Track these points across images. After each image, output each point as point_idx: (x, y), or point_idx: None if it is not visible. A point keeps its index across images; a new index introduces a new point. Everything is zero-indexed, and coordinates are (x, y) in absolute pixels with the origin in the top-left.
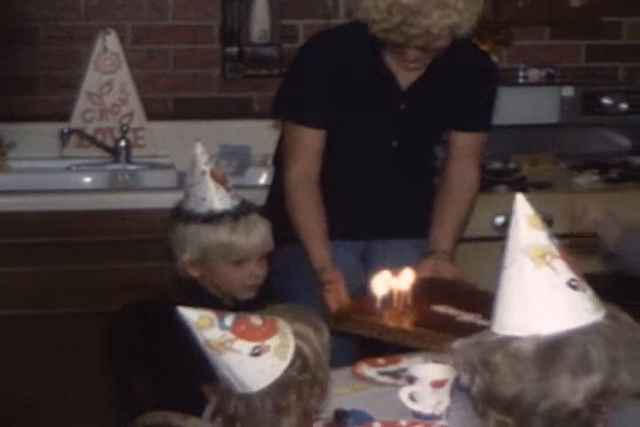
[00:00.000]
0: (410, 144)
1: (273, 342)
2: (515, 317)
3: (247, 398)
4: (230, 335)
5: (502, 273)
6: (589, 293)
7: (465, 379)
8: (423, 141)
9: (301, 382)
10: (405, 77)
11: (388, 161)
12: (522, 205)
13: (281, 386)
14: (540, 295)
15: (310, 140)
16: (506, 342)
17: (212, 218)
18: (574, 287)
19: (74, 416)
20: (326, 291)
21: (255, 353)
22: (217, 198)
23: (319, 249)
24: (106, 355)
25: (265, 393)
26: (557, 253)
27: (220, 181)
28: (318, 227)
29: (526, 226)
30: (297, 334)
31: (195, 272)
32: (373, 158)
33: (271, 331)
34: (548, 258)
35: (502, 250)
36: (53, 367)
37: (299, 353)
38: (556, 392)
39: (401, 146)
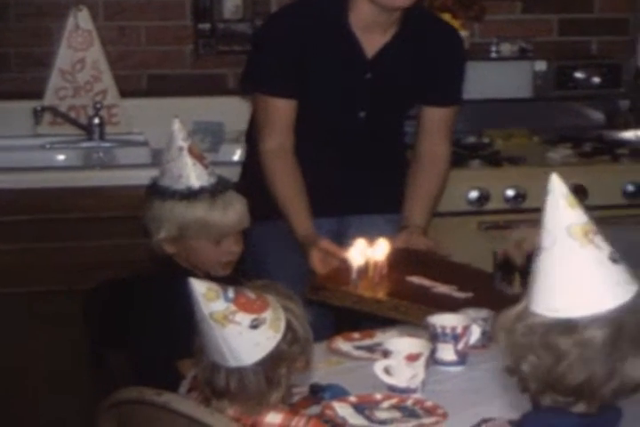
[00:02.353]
0: (378, 115)
1: (268, 314)
2: (565, 298)
3: (240, 371)
4: (233, 307)
5: (542, 254)
6: (623, 264)
7: (511, 359)
8: (391, 113)
9: (292, 354)
10: (370, 46)
11: (356, 132)
12: (558, 185)
13: (273, 359)
14: (589, 274)
15: (282, 111)
16: (571, 328)
17: (190, 195)
18: (615, 261)
19: (51, 393)
20: (315, 255)
21: (254, 325)
22: (194, 175)
23: (302, 218)
24: (82, 332)
25: (258, 366)
26: (595, 229)
27: (198, 157)
28: (299, 196)
29: (565, 206)
30: (285, 308)
31: (170, 249)
32: (342, 129)
33: (265, 304)
34: (590, 236)
35: (541, 230)
36: (29, 345)
37: (289, 326)
38: (623, 371)
39: (369, 116)
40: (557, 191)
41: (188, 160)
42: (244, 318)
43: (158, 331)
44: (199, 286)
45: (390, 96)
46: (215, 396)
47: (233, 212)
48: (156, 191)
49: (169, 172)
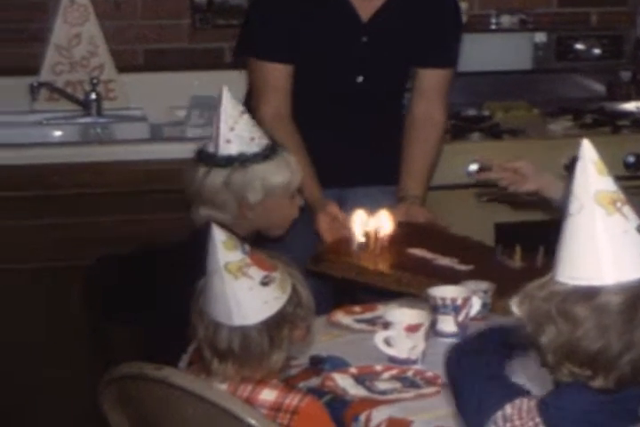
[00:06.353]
0: (376, 79)
1: (277, 274)
2: (588, 266)
3: (243, 330)
4: (248, 260)
5: (568, 220)
6: None
7: (531, 329)
8: (389, 77)
9: (295, 317)
10: (365, 10)
11: (355, 97)
12: (588, 151)
13: (277, 320)
14: (614, 243)
15: (278, 76)
16: (589, 294)
17: (270, 154)
18: None
19: (50, 368)
20: (322, 219)
21: (265, 282)
22: (261, 135)
23: (307, 183)
24: (82, 308)
25: (263, 325)
26: (625, 199)
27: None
28: (302, 161)
29: (594, 172)
30: (290, 274)
31: (250, 214)
32: (340, 95)
33: (274, 264)
34: (618, 204)
35: (567, 196)
36: (29, 321)
37: (294, 290)
38: None
39: (367, 81)
40: (587, 157)
41: (253, 122)
42: (257, 274)
43: (161, 308)
44: (220, 234)
45: (387, 59)
46: (217, 357)
47: (300, 167)
48: (230, 161)
49: (238, 138)
